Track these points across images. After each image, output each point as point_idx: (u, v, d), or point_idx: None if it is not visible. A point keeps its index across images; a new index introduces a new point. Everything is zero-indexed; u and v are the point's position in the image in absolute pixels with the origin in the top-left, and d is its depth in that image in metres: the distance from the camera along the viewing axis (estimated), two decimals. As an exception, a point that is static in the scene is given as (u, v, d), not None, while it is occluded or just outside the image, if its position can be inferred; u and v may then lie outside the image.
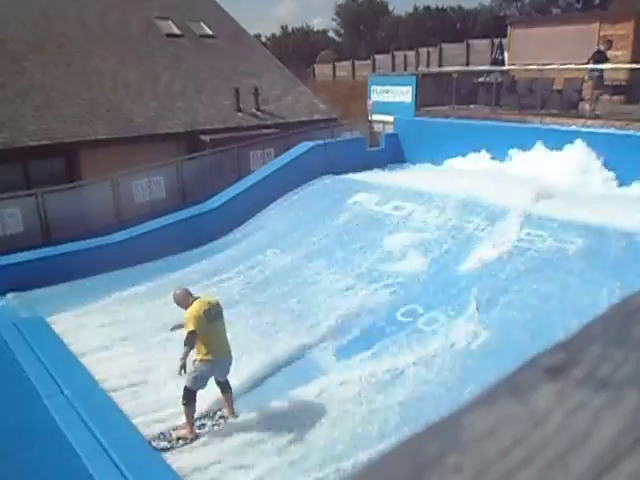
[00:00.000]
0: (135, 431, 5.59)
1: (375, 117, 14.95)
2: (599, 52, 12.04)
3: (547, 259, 7.72)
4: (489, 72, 14.98)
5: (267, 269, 9.50)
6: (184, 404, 5.59)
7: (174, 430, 5.73)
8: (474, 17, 46.00)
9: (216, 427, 5.83)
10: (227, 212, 11.26)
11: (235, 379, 6.12)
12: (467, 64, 24.78)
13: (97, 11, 18.28)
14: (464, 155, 12.01)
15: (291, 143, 13.47)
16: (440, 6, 49.22)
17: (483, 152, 11.72)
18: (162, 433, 5.72)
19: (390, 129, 14.07)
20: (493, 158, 11.56)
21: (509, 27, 18.04)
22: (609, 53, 12.51)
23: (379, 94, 14.83)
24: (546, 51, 15.23)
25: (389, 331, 7.32)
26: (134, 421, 5.76)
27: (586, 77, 11.78)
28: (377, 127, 14.80)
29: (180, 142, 14.82)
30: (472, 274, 7.96)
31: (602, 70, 11.69)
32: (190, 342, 5.49)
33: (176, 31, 19.07)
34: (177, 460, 5.34)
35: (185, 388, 5.57)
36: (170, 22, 19.28)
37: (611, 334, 0.36)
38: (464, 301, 7.50)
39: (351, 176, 11.90)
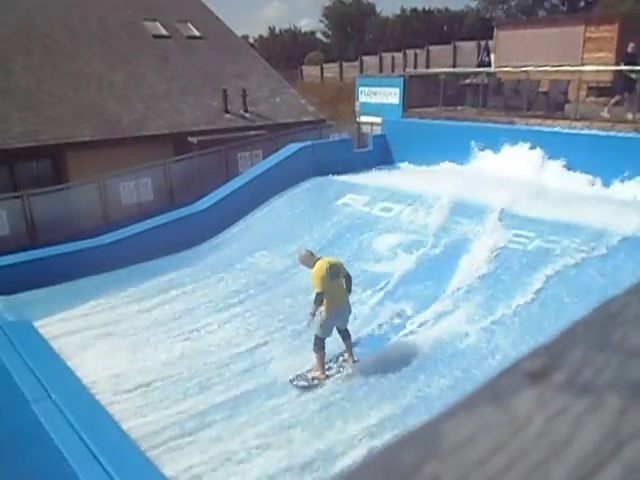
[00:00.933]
0: (124, 435, 5.54)
1: (363, 118, 14.97)
2: (628, 54, 11.81)
3: (535, 259, 7.77)
4: (476, 74, 15.08)
5: (256, 271, 9.48)
6: (315, 350, 6.46)
7: (309, 372, 6.52)
8: (461, 19, 46.25)
9: (341, 369, 6.63)
10: (215, 214, 11.22)
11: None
12: (454, 66, 24.90)
13: (83, 12, 18.14)
14: (452, 156, 12.07)
15: (279, 145, 13.45)
16: (427, 8, 49.50)
17: (470, 153, 11.78)
18: (299, 374, 6.50)
19: (378, 130, 14.10)
20: (480, 159, 11.62)
21: (495, 29, 18.16)
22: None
23: (367, 95, 14.86)
24: (532, 53, 15.35)
25: (378, 332, 7.34)
26: (124, 425, 5.72)
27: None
28: (365, 128, 14.82)
29: (167, 144, 14.75)
30: (461, 275, 7.99)
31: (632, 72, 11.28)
32: (319, 301, 6.28)
33: (163, 32, 18.99)
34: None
35: (315, 337, 6.46)
36: (157, 23, 19.19)
37: (593, 337, 0.36)
38: (453, 302, 7.53)
39: (339, 177, 11.91)
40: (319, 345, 6.46)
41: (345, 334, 6.67)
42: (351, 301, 7.23)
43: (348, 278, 6.63)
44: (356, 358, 6.69)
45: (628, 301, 0.39)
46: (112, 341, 7.53)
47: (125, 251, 9.93)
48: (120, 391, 6.43)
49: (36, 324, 7.87)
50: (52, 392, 6.08)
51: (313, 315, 6.38)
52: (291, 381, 6.44)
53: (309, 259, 6.59)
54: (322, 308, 6.35)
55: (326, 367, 6.59)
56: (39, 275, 8.92)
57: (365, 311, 7.81)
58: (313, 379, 6.47)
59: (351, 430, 5.54)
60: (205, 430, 5.77)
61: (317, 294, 6.28)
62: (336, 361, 6.80)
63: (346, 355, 6.75)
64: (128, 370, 6.82)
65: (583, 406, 0.30)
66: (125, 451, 5.32)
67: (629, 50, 11.91)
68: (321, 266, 6.37)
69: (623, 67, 11.95)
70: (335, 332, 6.62)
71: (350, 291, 6.69)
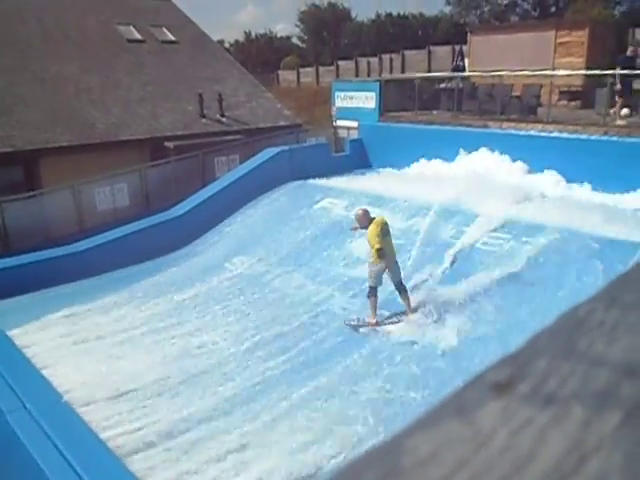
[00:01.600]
0: (102, 444, 5.46)
1: (340, 123, 15.02)
2: (627, 58, 11.70)
3: (512, 261, 7.87)
4: (450, 78, 15.24)
5: (233, 277, 9.42)
6: (368, 297, 7.37)
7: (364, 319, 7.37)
8: (435, 24, 46.69)
9: (395, 319, 7.36)
10: (193, 219, 11.13)
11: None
12: (429, 70, 25.15)
13: (57, 16, 17.92)
14: (428, 160, 12.17)
15: (256, 149, 13.42)
16: (402, 13, 49.89)
17: (446, 157, 11.89)
18: (354, 318, 7.43)
19: (355, 134, 14.16)
20: (455, 162, 11.73)
21: (469, 34, 18.40)
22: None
23: (343, 100, 14.92)
24: (505, 57, 15.58)
25: (357, 335, 7.34)
26: (101, 434, 5.63)
27: (618, 86, 11.16)
28: (342, 133, 14.87)
29: (143, 149, 14.62)
30: (438, 278, 8.04)
31: (631, 76, 11.24)
32: (382, 255, 7.09)
33: (138, 36, 18.83)
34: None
35: (369, 286, 7.36)
36: (131, 27, 19.04)
37: (558, 346, 0.36)
38: (431, 305, 7.57)
39: (317, 182, 11.92)
40: (373, 292, 7.32)
41: (400, 287, 7.40)
42: (330, 304, 7.29)
43: None
44: (414, 309, 7.37)
45: (594, 307, 0.40)
46: (88, 350, 7.41)
47: (101, 258, 9.79)
48: (96, 400, 6.32)
49: (10, 333, 7.71)
50: (27, 402, 5.96)
51: (377, 263, 7.20)
52: (345, 323, 7.42)
53: (364, 219, 7.35)
54: (371, 260, 7.24)
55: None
56: (13, 283, 8.74)
57: (342, 314, 7.81)
58: (365, 322, 7.36)
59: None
60: (184, 437, 5.70)
61: (377, 250, 7.09)
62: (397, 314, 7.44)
63: (405, 308, 7.41)
64: (104, 379, 6.71)
65: (547, 418, 0.30)
66: (103, 461, 5.24)
67: (628, 54, 11.90)
68: (376, 225, 7.18)
69: (596, 71, 12.19)
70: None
71: None
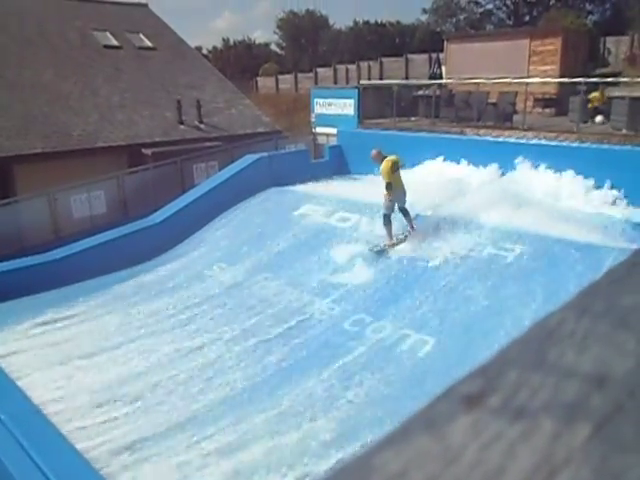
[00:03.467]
0: (78, 455, 5.35)
1: (319, 129, 15.05)
2: None
3: (491, 267, 7.95)
4: (428, 85, 15.38)
5: (213, 284, 9.36)
6: (385, 224, 8.90)
7: (383, 244, 8.94)
8: (412, 32, 47.13)
9: (402, 237, 9.01)
10: (171, 226, 11.04)
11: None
12: (406, 77, 25.38)
13: (31, 21, 17.69)
14: (407, 166, 12.23)
15: (235, 156, 13.38)
16: (379, 21, 50.25)
17: (424, 162, 11.98)
18: (375, 244, 9.02)
19: (334, 141, 14.20)
20: (434, 168, 11.82)
21: (445, 42, 18.61)
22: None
23: (322, 107, 14.96)
24: (481, 65, 15.80)
25: (337, 341, 7.34)
26: (77, 445, 5.53)
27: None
28: (321, 139, 14.90)
29: (121, 156, 14.48)
30: (418, 283, 8.09)
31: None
32: (389, 188, 8.68)
33: (114, 42, 18.68)
34: None
35: (383, 215, 8.91)
36: (108, 34, 18.88)
37: (529, 357, 0.36)
38: (411, 310, 7.61)
39: (297, 188, 11.91)
40: (387, 220, 8.87)
41: (405, 211, 8.98)
42: (310, 309, 7.26)
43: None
44: (415, 225, 8.99)
45: (565, 317, 0.40)
46: (63, 360, 7.28)
47: (77, 266, 9.65)
48: (72, 410, 6.22)
49: (-18, 344, 7.55)
50: (1, 413, 5.83)
51: (389, 200, 8.79)
52: (370, 249, 8.88)
53: (378, 157, 9.02)
54: (385, 192, 8.71)
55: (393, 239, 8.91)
56: (-15, 293, 8.57)
57: (322, 319, 7.81)
58: (385, 245, 8.90)
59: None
60: (160, 448, 5.63)
61: (387, 183, 8.68)
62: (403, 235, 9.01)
63: (408, 227, 9.07)
64: (80, 389, 6.61)
65: (517, 432, 0.30)
66: (79, 472, 5.14)
67: None
68: (387, 162, 8.75)
69: (567, 79, 12.41)
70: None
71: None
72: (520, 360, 0.35)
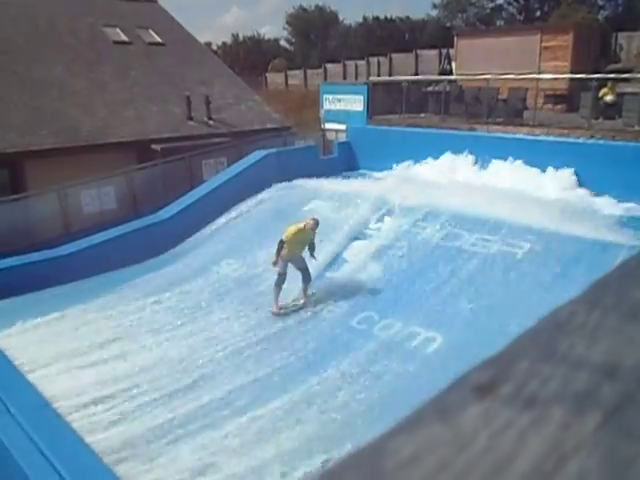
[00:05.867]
0: (87, 449, 5.40)
1: (328, 125, 15.04)
2: None
3: (498, 262, 7.93)
4: (438, 81, 15.32)
5: (222, 279, 9.39)
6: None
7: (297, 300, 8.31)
8: (421, 27, 46.95)
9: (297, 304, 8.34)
10: (180, 222, 11.08)
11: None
12: (416, 73, 25.27)
13: (42, 18, 17.77)
14: (415, 162, 12.22)
15: (244, 152, 13.39)
16: (389, 16, 50.08)
17: (435, 159, 11.96)
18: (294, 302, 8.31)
19: (343, 137, 14.19)
20: (443, 164, 11.80)
21: (455, 38, 18.51)
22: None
23: (331, 103, 14.95)
24: (491, 61, 15.70)
25: (346, 338, 7.35)
26: (87, 439, 5.57)
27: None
28: (330, 135, 14.89)
29: (130, 151, 14.53)
30: (427, 279, 8.08)
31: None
32: (281, 248, 8.13)
33: (124, 38, 18.73)
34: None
35: (278, 273, 8.21)
36: (118, 29, 18.93)
37: (540, 348, 0.36)
38: (419, 306, 7.61)
39: (305, 184, 11.91)
40: (279, 280, 8.21)
41: (304, 273, 8.37)
42: (321, 303, 7.79)
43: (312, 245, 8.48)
44: (307, 299, 8.32)
45: (575, 309, 0.40)
46: (73, 354, 7.34)
47: (87, 261, 9.71)
48: (82, 405, 6.28)
49: (-6, 337, 7.62)
50: (11, 406, 5.89)
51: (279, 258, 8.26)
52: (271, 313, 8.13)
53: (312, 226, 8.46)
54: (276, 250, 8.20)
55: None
56: (-3, 287, 8.65)
57: (330, 317, 7.82)
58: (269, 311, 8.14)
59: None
60: (169, 443, 5.67)
61: (280, 241, 8.17)
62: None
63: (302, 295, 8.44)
64: (90, 383, 6.66)
65: (528, 420, 0.30)
66: (89, 465, 5.18)
67: None
68: (296, 228, 8.27)
69: (578, 75, 12.33)
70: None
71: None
72: (531, 351, 0.36)
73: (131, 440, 5.71)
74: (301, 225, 8.32)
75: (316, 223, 8.40)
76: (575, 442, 0.28)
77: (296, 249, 8.26)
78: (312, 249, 8.48)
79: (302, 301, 8.30)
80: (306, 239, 8.37)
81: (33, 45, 16.54)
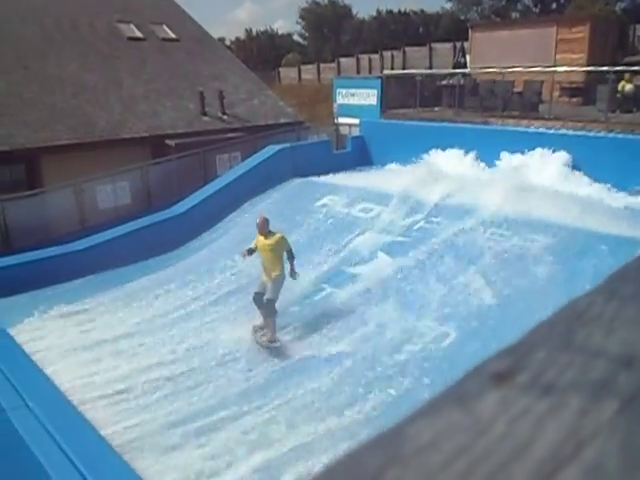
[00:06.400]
0: (103, 441, 5.47)
1: (341, 120, 15.01)
2: None
3: (512, 257, 7.87)
4: (452, 75, 15.21)
5: (236, 274, 9.42)
6: (271, 315, 7.17)
7: (262, 337, 7.24)
8: (436, 21, 46.59)
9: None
10: (194, 217, 11.14)
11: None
12: (430, 67, 25.10)
13: (56, 14, 17.90)
14: (429, 156, 12.16)
15: (258, 147, 13.41)
16: (402, 10, 49.74)
17: (449, 154, 11.88)
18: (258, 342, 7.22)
19: (356, 132, 14.15)
20: (458, 159, 11.72)
21: (470, 31, 18.35)
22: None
23: (345, 97, 14.90)
24: (506, 54, 15.54)
25: (360, 331, 7.35)
26: (102, 432, 5.65)
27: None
28: (343, 130, 14.86)
29: (145, 147, 14.61)
30: (438, 273, 8.05)
31: None
32: (251, 253, 7.52)
33: (138, 34, 18.81)
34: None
35: (271, 300, 7.17)
36: (132, 25, 19.01)
37: (557, 338, 0.36)
38: (432, 301, 7.59)
39: (318, 179, 11.91)
40: (270, 306, 7.27)
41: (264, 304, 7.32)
42: (330, 297, 7.55)
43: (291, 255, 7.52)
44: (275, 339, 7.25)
45: (593, 300, 0.40)
46: (89, 348, 7.42)
47: (102, 256, 9.80)
48: (98, 398, 6.35)
49: (12, 331, 7.72)
50: (29, 400, 5.97)
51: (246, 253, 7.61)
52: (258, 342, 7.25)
53: (263, 226, 7.55)
54: (275, 273, 7.32)
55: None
56: (14, 281, 8.76)
57: (344, 310, 7.83)
58: (270, 342, 7.20)
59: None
60: (185, 435, 5.72)
61: (249, 249, 7.54)
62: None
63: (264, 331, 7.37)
64: (105, 377, 6.73)
65: (545, 407, 0.31)
66: (104, 458, 5.25)
67: None
68: (277, 238, 7.41)
69: (595, 68, 12.17)
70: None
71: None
72: (548, 340, 0.36)
73: (145, 434, 5.77)
74: (278, 236, 7.46)
75: (263, 223, 7.49)
76: (592, 429, 0.29)
77: (274, 268, 7.30)
78: (291, 259, 7.48)
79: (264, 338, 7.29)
80: (281, 249, 7.41)
81: (48, 42, 16.68)
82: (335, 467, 0.28)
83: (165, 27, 19.69)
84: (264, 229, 7.46)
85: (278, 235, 7.47)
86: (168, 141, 14.56)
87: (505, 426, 0.30)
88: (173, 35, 19.52)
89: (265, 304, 7.21)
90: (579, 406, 0.30)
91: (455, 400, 0.31)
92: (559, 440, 0.29)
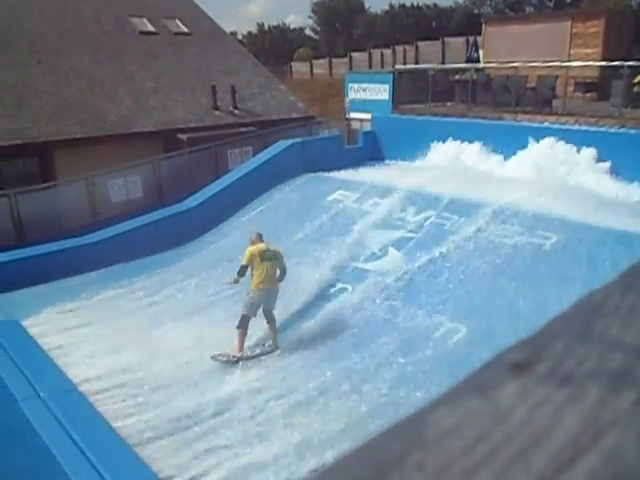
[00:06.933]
0: (114, 433, 5.53)
1: (353, 115, 14.97)
2: None
3: (521, 253, 7.84)
4: (465, 70, 15.11)
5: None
6: (238, 327, 6.90)
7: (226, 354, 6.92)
8: (449, 15, 46.30)
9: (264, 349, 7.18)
10: (205, 211, 11.18)
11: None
12: (443, 62, 24.96)
13: (69, 9, 18.00)
14: (441, 152, 12.11)
15: (269, 141, 13.43)
16: (415, 4, 49.43)
17: (463, 149, 11.83)
18: (220, 354, 6.85)
19: (368, 127, 14.11)
20: (472, 154, 11.67)
21: (484, 25, 18.21)
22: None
23: (356, 92, 14.86)
24: (520, 49, 15.41)
25: (371, 327, 7.36)
26: (113, 424, 5.70)
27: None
28: (355, 125, 14.82)
29: (157, 141, 14.68)
30: (449, 270, 8.03)
31: None
32: (242, 273, 7.15)
33: (150, 29, 18.86)
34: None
35: (242, 315, 6.93)
36: (144, 20, 19.07)
37: (575, 330, 0.36)
38: (442, 297, 7.57)
39: (329, 174, 11.90)
40: (243, 322, 6.98)
41: (270, 317, 7.22)
42: (341, 292, 7.37)
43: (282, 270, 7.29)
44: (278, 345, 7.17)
45: (610, 293, 0.40)
46: (100, 340, 7.49)
47: (113, 249, 9.87)
48: (109, 389, 6.41)
49: (24, 323, 7.82)
50: (41, 391, 6.05)
51: (231, 281, 7.35)
52: (213, 357, 6.85)
53: (256, 240, 7.36)
54: (235, 278, 7.24)
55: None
56: (27, 274, 8.85)
57: (354, 305, 7.84)
58: (233, 357, 6.93)
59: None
60: (194, 428, 5.76)
61: (241, 266, 7.18)
62: (263, 345, 7.26)
63: (271, 341, 7.24)
64: (117, 369, 6.79)
65: (564, 396, 0.31)
66: (115, 449, 5.31)
67: None
68: (255, 247, 7.17)
69: (609, 63, 12.04)
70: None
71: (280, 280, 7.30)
72: (566, 332, 0.36)
73: (159, 425, 5.82)
74: (260, 245, 7.25)
75: (259, 237, 7.37)
76: (611, 418, 0.29)
77: (270, 280, 7.07)
78: (281, 277, 7.32)
79: (269, 347, 7.20)
80: (274, 259, 7.20)
81: (61, 36, 16.78)
82: (358, 452, 0.29)
83: (178, 21, 19.73)
84: (258, 239, 7.36)
85: (278, 248, 7.45)
86: (180, 135, 14.61)
87: (524, 414, 0.30)
88: (185, 29, 19.55)
89: (272, 317, 7.18)
90: (597, 396, 0.31)
91: (474, 389, 0.32)
92: (578, 428, 0.29)
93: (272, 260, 7.11)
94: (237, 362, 6.85)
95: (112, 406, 6.11)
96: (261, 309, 7.09)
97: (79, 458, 5.03)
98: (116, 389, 6.42)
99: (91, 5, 18.56)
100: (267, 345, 7.20)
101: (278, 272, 7.22)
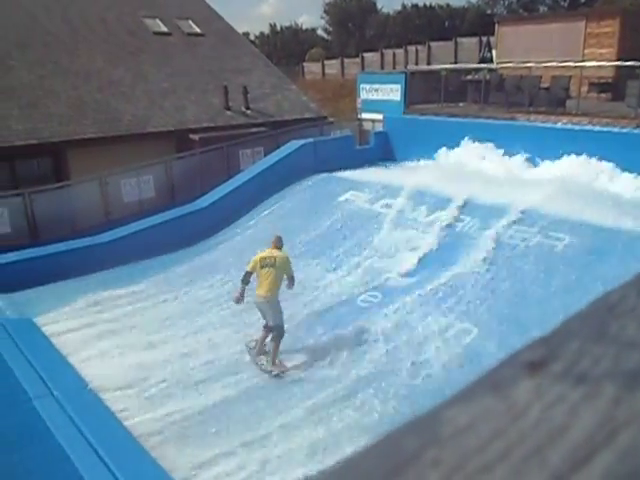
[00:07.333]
0: (126, 431, 5.57)
1: (364, 115, 14.96)
2: None
3: (535, 254, 7.78)
4: (477, 70, 15.04)
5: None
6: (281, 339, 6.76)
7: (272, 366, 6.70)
8: (462, 15, 46.09)
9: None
10: (217, 211, 11.22)
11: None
12: (455, 62, 24.87)
13: (83, 9, 18.16)
14: (454, 153, 12.06)
15: (281, 142, 13.44)
16: (428, 4, 49.27)
17: (476, 150, 11.76)
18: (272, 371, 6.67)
19: (380, 127, 14.09)
20: (482, 156, 11.60)
21: (497, 25, 18.11)
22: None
23: (368, 92, 14.85)
24: (533, 49, 15.31)
25: (382, 328, 7.35)
26: (125, 422, 5.74)
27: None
28: (366, 125, 14.81)
29: (169, 141, 14.75)
30: (462, 271, 7.99)
31: None
32: (246, 281, 7.02)
33: (164, 29, 18.97)
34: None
35: (280, 327, 6.79)
36: (158, 20, 19.18)
37: (590, 329, 0.36)
38: (455, 298, 7.54)
39: (341, 174, 11.90)
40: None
41: (271, 330, 6.93)
42: (353, 293, 7.47)
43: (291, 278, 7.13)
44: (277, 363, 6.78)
45: (626, 293, 0.40)
46: (112, 338, 7.54)
47: (126, 249, 9.93)
48: (121, 388, 6.45)
49: (37, 322, 7.89)
50: (54, 389, 6.10)
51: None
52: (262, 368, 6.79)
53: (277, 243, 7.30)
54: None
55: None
56: (40, 273, 8.94)
57: (366, 307, 7.83)
58: (282, 372, 6.75)
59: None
60: (204, 426, 5.79)
61: (245, 273, 7.08)
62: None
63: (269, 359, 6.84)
64: (129, 367, 6.83)
65: (579, 395, 0.31)
66: (127, 447, 5.34)
67: None
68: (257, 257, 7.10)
69: (624, 63, 11.93)
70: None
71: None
72: (581, 332, 0.36)
73: (173, 423, 5.85)
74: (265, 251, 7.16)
75: (278, 240, 7.25)
76: (626, 416, 0.29)
77: (269, 289, 6.85)
78: (290, 283, 7.15)
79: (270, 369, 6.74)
80: (274, 266, 6.96)
81: (75, 37, 16.93)
82: (374, 447, 0.29)
83: (191, 22, 19.82)
84: (279, 243, 7.28)
85: (285, 254, 7.27)
86: (192, 135, 14.68)
87: (540, 412, 0.30)
88: (198, 30, 19.64)
89: (274, 331, 6.85)
90: (613, 395, 0.31)
91: (490, 387, 0.32)
92: (594, 426, 0.29)
93: (269, 267, 6.90)
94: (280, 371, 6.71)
95: (125, 404, 6.15)
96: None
97: (92, 456, 5.07)
98: (129, 388, 6.46)
99: (106, 6, 18.71)
100: (260, 363, 6.87)
101: (284, 278, 7.03)
